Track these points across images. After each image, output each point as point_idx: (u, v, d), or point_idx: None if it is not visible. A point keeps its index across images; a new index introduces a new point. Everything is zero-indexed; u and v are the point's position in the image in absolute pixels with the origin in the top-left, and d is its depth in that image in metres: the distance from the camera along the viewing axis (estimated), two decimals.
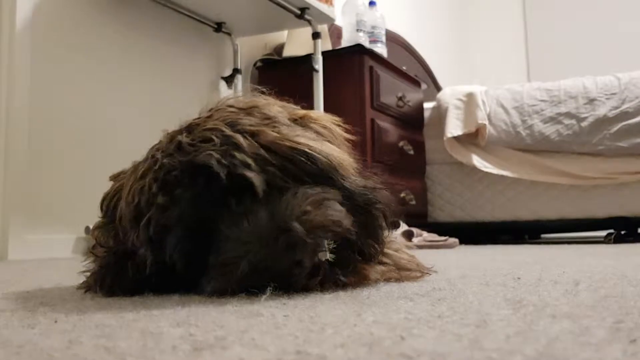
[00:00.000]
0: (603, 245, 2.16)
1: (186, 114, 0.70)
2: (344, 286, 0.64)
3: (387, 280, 0.72)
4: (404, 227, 2.23)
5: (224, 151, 0.59)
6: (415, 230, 2.20)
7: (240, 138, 0.61)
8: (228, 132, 0.61)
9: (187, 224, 0.60)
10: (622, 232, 2.51)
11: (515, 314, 0.46)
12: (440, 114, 2.86)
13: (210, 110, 0.68)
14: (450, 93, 2.89)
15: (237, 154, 0.59)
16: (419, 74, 3.21)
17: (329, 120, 0.74)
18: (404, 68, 2.80)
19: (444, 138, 2.76)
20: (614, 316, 0.44)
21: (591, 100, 2.62)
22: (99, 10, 1.95)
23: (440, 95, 2.96)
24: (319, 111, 0.73)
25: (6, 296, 0.69)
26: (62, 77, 1.82)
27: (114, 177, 0.77)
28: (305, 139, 0.65)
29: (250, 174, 0.59)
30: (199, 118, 0.66)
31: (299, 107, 0.73)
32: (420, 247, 1.89)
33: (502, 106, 2.77)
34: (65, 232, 1.77)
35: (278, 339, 0.38)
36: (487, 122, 2.72)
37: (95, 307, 0.57)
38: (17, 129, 1.68)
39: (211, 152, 0.59)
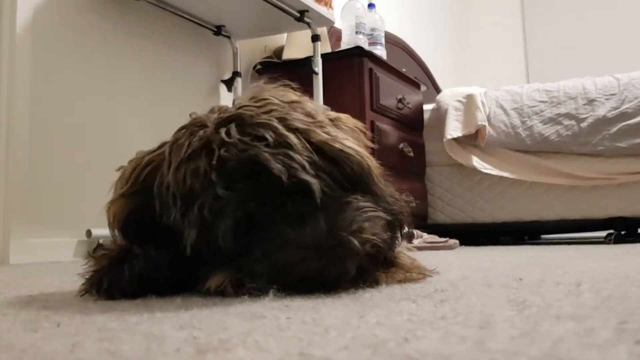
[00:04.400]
0: (603, 245, 2.16)
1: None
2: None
3: (391, 283, 0.72)
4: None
5: (281, 153, 0.60)
6: (415, 232, 2.20)
7: (293, 138, 0.61)
8: (281, 130, 0.61)
9: (240, 214, 0.60)
10: (622, 233, 2.51)
11: (518, 315, 0.46)
12: (440, 115, 2.86)
13: (252, 99, 0.67)
14: (450, 95, 2.89)
15: (293, 156, 0.60)
16: (418, 76, 3.21)
17: (356, 125, 0.75)
18: (404, 70, 2.80)
19: (444, 139, 2.76)
20: (618, 317, 0.43)
21: (590, 101, 2.63)
22: (99, 13, 1.95)
23: (439, 97, 2.96)
24: (346, 114, 0.74)
25: (8, 300, 0.69)
26: (63, 80, 1.82)
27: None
28: (350, 142, 0.66)
29: (309, 179, 0.60)
30: (247, 107, 0.65)
31: (328, 108, 0.74)
32: (420, 248, 1.89)
33: (502, 107, 2.77)
34: (66, 235, 1.77)
35: (281, 341, 0.38)
36: (486, 124, 2.72)
37: (98, 310, 0.57)
38: (18, 132, 1.68)
39: (269, 153, 0.59)
